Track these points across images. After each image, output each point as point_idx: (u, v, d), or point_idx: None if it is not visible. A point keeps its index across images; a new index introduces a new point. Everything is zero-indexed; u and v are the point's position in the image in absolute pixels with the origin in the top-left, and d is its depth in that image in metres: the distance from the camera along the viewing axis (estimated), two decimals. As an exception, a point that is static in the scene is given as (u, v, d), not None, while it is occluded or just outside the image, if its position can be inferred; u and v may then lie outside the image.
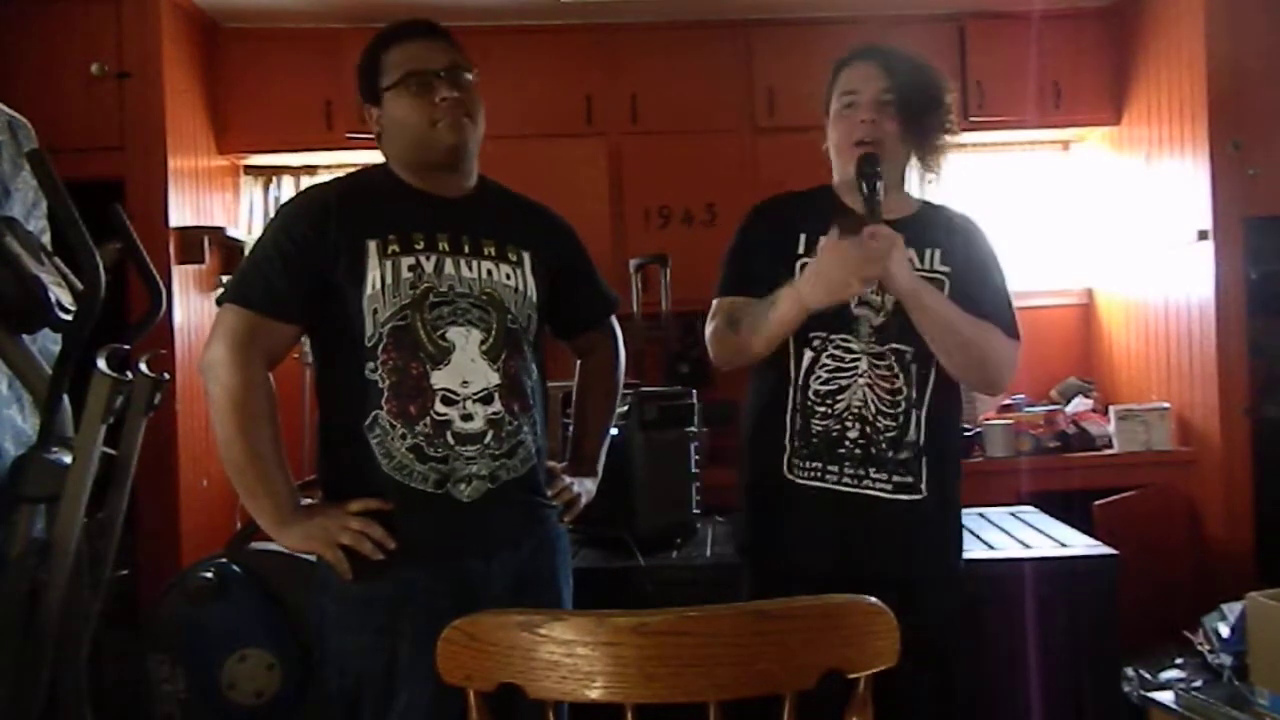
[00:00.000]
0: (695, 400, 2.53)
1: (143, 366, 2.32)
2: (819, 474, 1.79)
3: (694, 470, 2.48)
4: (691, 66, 4.08)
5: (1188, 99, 3.67)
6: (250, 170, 4.32)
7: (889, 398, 1.77)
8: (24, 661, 2.10)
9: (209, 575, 2.32)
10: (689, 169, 4.04)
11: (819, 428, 1.78)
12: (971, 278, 1.82)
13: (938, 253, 1.82)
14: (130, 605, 2.82)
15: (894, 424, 1.77)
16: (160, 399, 2.39)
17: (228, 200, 4.16)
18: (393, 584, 1.61)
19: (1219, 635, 2.63)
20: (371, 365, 1.63)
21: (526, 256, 1.77)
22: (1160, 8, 3.83)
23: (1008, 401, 4.04)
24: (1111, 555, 2.27)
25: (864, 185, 1.73)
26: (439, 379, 1.64)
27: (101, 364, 2.18)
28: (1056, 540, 2.40)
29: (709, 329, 1.87)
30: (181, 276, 3.66)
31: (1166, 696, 2.55)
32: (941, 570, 1.84)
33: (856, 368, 1.77)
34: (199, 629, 2.31)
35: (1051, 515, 2.70)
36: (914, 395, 1.78)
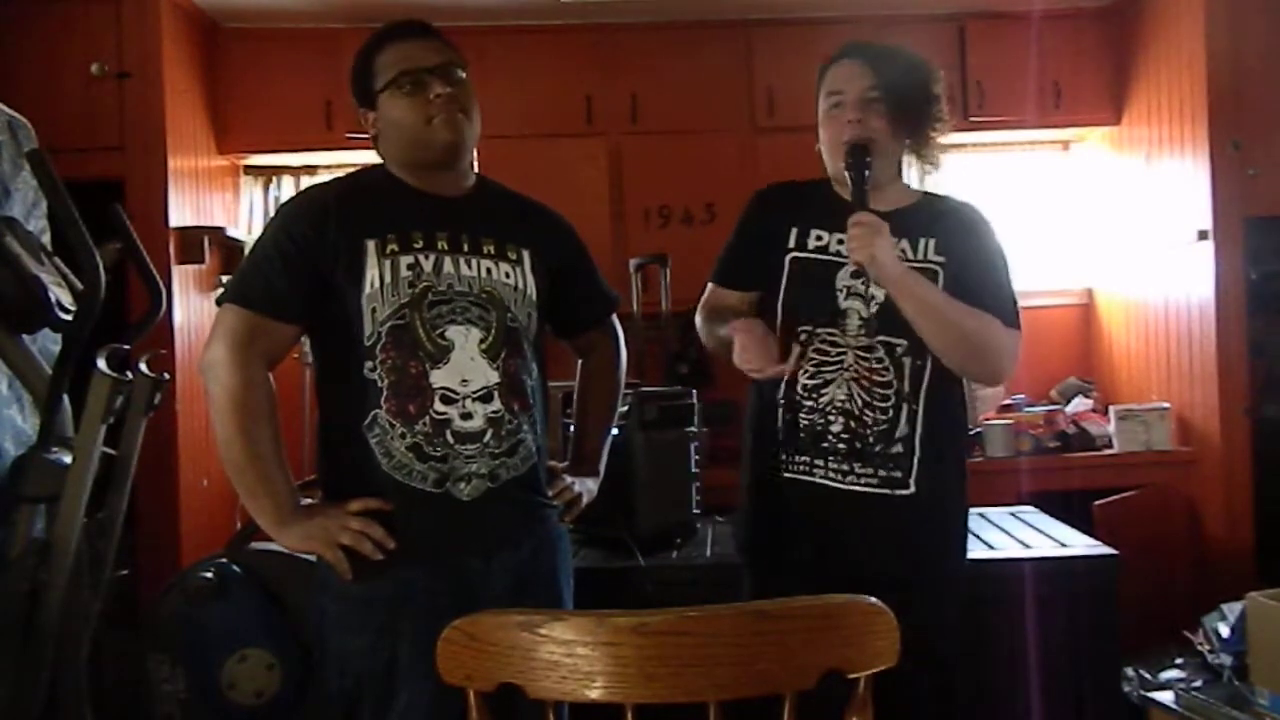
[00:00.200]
0: (695, 400, 2.53)
1: (143, 366, 2.32)
2: (807, 469, 1.78)
3: (694, 470, 2.48)
4: (691, 66, 4.08)
5: (1188, 99, 3.67)
6: (250, 170, 4.32)
7: (878, 391, 1.75)
8: (24, 661, 2.10)
9: (209, 575, 2.32)
10: (689, 169, 4.04)
11: (805, 422, 1.77)
12: (970, 267, 1.79)
13: (932, 243, 1.80)
14: (130, 605, 2.82)
15: (883, 418, 1.75)
16: (160, 399, 2.39)
17: (228, 200, 4.16)
18: (393, 584, 1.61)
19: (1219, 635, 2.63)
20: (370, 364, 1.63)
21: (526, 255, 1.77)
22: (1160, 8, 3.83)
23: (1008, 401, 4.04)
24: (1111, 555, 2.27)
25: (850, 175, 1.73)
26: (438, 377, 1.64)
27: (101, 364, 2.18)
28: (1056, 540, 2.40)
29: (698, 314, 1.91)
30: (181, 276, 3.66)
31: (1166, 696, 2.55)
32: (940, 571, 1.81)
33: (841, 361, 1.76)
34: (199, 629, 2.31)
35: (1051, 515, 2.70)
36: (906, 389, 1.75)
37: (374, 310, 1.64)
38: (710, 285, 1.92)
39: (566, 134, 4.06)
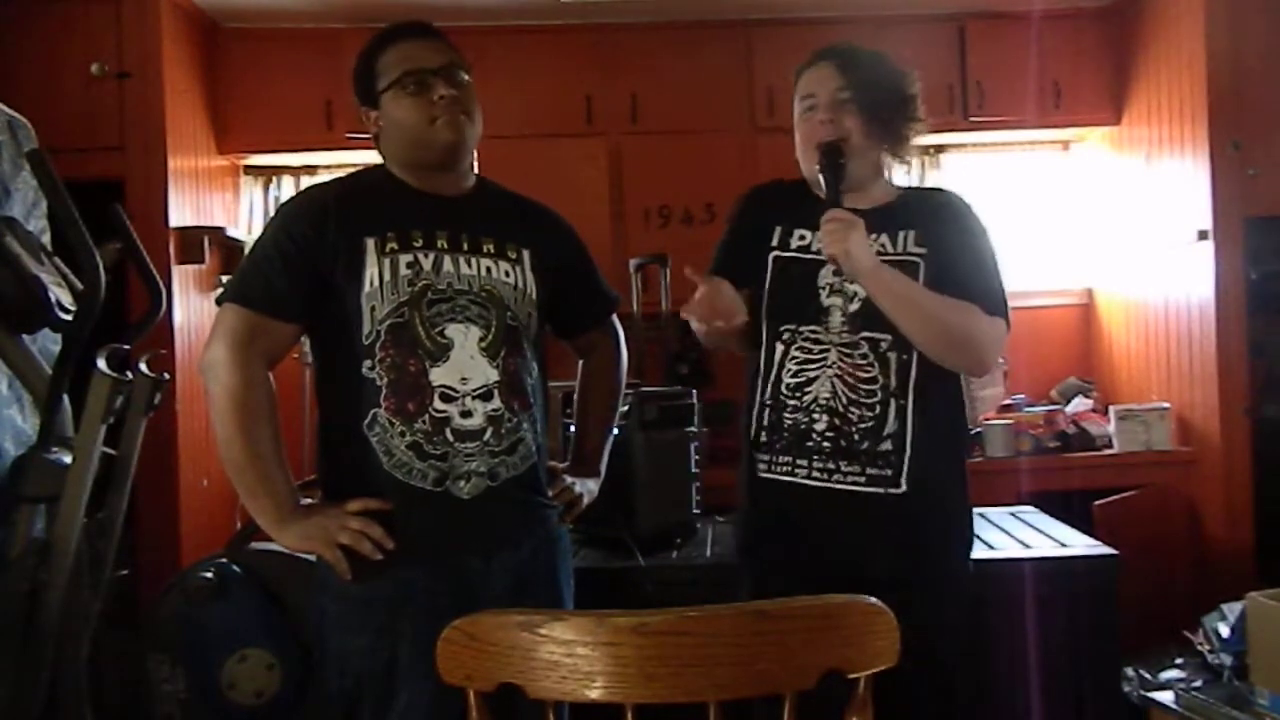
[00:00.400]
0: (695, 400, 2.53)
1: (143, 366, 2.32)
2: (789, 469, 1.76)
3: (694, 470, 2.48)
4: (691, 66, 4.08)
5: (1188, 99, 3.67)
6: (250, 170, 4.32)
7: (863, 387, 1.73)
8: (24, 661, 2.10)
9: (209, 575, 2.32)
10: (689, 169, 4.03)
11: (789, 421, 1.76)
12: (952, 257, 1.77)
13: (911, 234, 1.79)
14: (130, 605, 2.82)
15: (869, 414, 1.73)
16: (160, 399, 2.39)
17: (228, 200, 4.16)
18: (392, 584, 1.61)
19: (1219, 635, 2.63)
20: (369, 363, 1.63)
21: (526, 254, 1.77)
22: (1160, 8, 3.83)
23: (1008, 401, 4.04)
24: (1111, 555, 2.27)
25: (824, 175, 1.74)
26: (438, 376, 1.64)
27: (101, 364, 2.18)
28: (1056, 540, 2.40)
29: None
30: (181, 276, 3.66)
31: (1166, 696, 2.55)
32: (939, 571, 1.79)
33: (825, 359, 1.75)
34: (199, 629, 2.31)
35: (1051, 515, 2.70)
36: (893, 384, 1.73)
37: (373, 308, 1.64)
38: None
39: (566, 134, 4.06)
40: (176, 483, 3.52)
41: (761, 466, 1.81)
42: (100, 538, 2.28)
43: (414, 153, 1.74)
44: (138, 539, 3.24)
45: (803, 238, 1.82)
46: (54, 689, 2.15)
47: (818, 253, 1.77)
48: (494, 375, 1.67)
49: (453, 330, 1.66)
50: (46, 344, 2.32)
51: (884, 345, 1.74)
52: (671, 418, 2.43)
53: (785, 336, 1.78)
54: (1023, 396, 4.10)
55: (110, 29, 3.53)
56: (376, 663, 1.60)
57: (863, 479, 1.73)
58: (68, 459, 2.18)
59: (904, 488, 1.73)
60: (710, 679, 1.06)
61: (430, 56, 1.72)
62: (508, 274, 1.74)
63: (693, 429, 2.49)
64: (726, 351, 1.95)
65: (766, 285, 1.82)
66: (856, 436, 1.73)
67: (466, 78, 1.75)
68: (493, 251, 1.74)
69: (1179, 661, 2.69)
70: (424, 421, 1.62)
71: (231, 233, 3.96)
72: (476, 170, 1.84)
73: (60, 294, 2.23)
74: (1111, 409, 3.88)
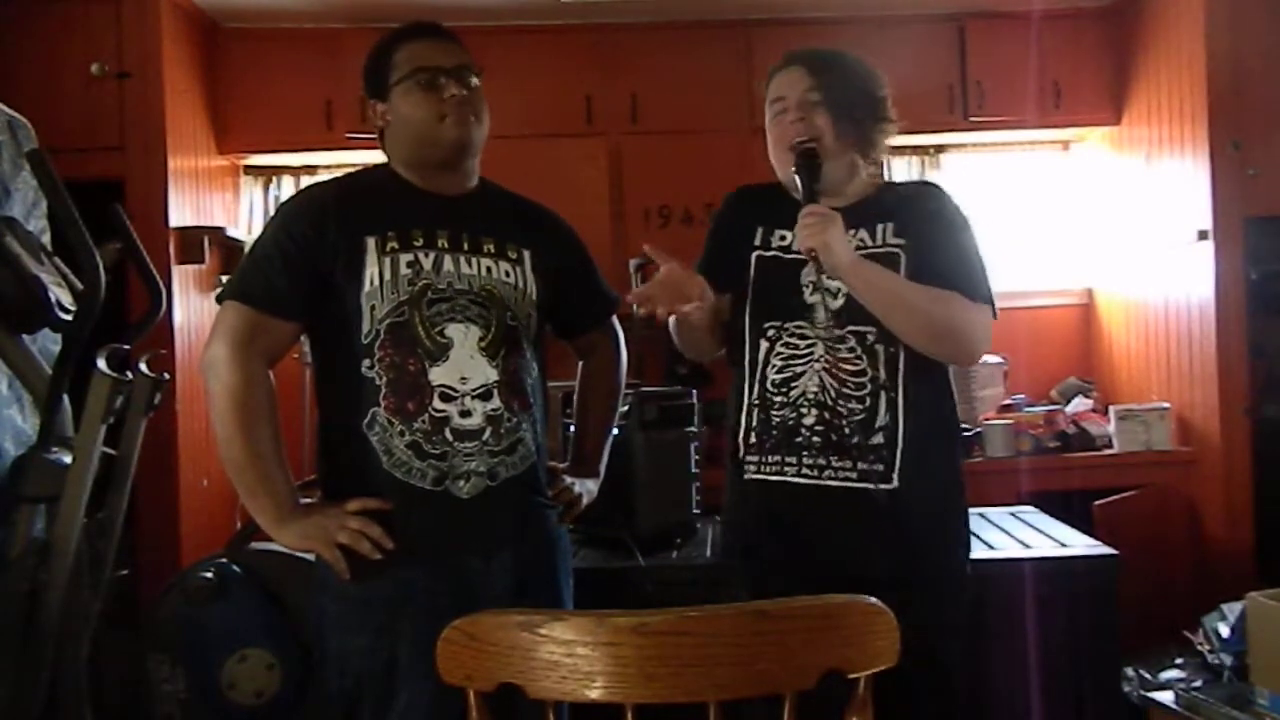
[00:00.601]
0: (695, 400, 2.53)
1: (143, 366, 2.32)
2: (778, 468, 1.75)
3: (694, 470, 2.48)
4: (691, 66, 4.08)
5: (1188, 99, 3.67)
6: (250, 170, 4.32)
7: (851, 381, 1.71)
8: (24, 661, 2.10)
9: (209, 575, 2.32)
10: (689, 169, 4.03)
11: (777, 418, 1.74)
12: (932, 246, 1.76)
13: (890, 226, 1.79)
14: (130, 605, 2.82)
15: (859, 407, 1.71)
16: (160, 399, 2.39)
17: (228, 200, 4.16)
18: (392, 584, 1.61)
19: (1219, 635, 2.63)
20: (368, 362, 1.63)
21: (526, 255, 1.78)
22: (1160, 8, 3.83)
23: (1008, 401, 4.04)
24: (1111, 555, 2.27)
25: (800, 175, 1.75)
26: (437, 375, 1.64)
27: (101, 364, 2.18)
28: (1056, 540, 2.40)
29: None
30: (181, 276, 3.65)
31: (1166, 696, 2.55)
32: (936, 570, 1.77)
33: (811, 353, 1.74)
34: (199, 629, 2.31)
35: (1051, 515, 2.71)
36: (882, 377, 1.72)
37: (373, 307, 1.64)
38: None
39: (566, 134, 4.06)
40: (176, 483, 3.51)
41: (750, 468, 1.78)
42: (100, 538, 2.28)
43: (419, 149, 1.74)
44: (138, 539, 3.24)
45: (783, 238, 1.82)
46: (54, 689, 2.15)
47: (799, 252, 1.77)
48: (493, 375, 1.67)
49: (452, 330, 1.66)
50: (46, 344, 2.32)
51: (870, 338, 1.73)
52: (671, 418, 2.43)
53: (770, 333, 1.77)
54: (1023, 396, 4.09)
55: (110, 29, 3.53)
56: (376, 663, 1.60)
57: (854, 475, 1.71)
58: (68, 459, 2.18)
59: (896, 483, 1.71)
60: (710, 679, 1.06)
61: (444, 57, 1.73)
62: (508, 274, 1.74)
63: (693, 429, 2.49)
64: (707, 359, 1.93)
65: (750, 285, 1.82)
66: (847, 430, 1.70)
67: (477, 81, 1.76)
68: (493, 252, 1.74)
69: (1179, 661, 2.69)
70: (423, 421, 1.62)
71: (231, 233, 3.96)
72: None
73: (60, 294, 2.23)
74: (1111, 409, 3.88)
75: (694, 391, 2.55)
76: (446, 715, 1.33)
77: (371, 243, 1.66)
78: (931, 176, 4.35)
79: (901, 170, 4.36)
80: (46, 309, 2.19)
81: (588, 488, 1.89)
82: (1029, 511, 2.77)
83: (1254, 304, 3.57)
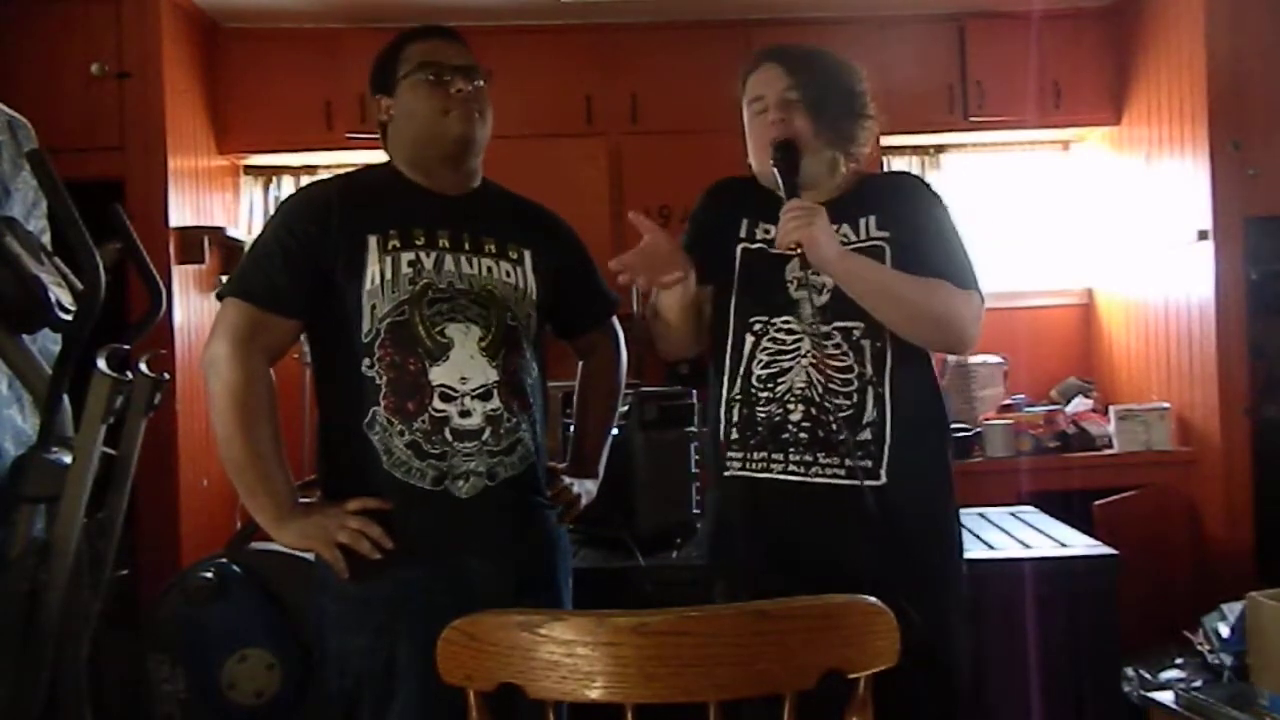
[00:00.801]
0: (695, 400, 2.52)
1: (143, 366, 2.32)
2: (764, 464, 1.72)
3: (694, 470, 2.48)
4: (691, 66, 4.07)
5: (1188, 99, 3.67)
6: (250, 170, 4.32)
7: (838, 376, 1.70)
8: (24, 661, 2.09)
9: (209, 575, 2.32)
10: (689, 169, 3.98)
11: (763, 414, 1.72)
12: (917, 236, 1.75)
13: (873, 219, 1.77)
14: (130, 605, 2.82)
15: (846, 403, 1.69)
16: (160, 399, 2.39)
17: (228, 200, 4.16)
18: (392, 583, 1.61)
19: (1219, 635, 2.63)
20: (368, 361, 1.63)
21: (527, 255, 1.78)
22: (1160, 8, 3.83)
23: (1008, 401, 4.04)
24: (1111, 555, 2.27)
25: (780, 173, 1.74)
26: (437, 375, 1.64)
27: (101, 364, 2.18)
28: (1056, 540, 2.40)
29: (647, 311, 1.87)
30: (181, 276, 3.66)
31: (1166, 696, 2.55)
32: (926, 569, 1.73)
33: (798, 349, 1.72)
34: (199, 629, 2.31)
35: (1051, 515, 2.70)
36: (869, 372, 1.70)
37: (374, 306, 1.64)
38: None
39: (566, 134, 4.06)
40: (176, 483, 3.52)
41: (735, 464, 1.75)
42: (100, 538, 2.28)
43: (422, 144, 1.74)
44: (138, 539, 3.24)
45: (767, 231, 1.80)
46: (54, 689, 2.15)
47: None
48: (493, 375, 1.67)
49: (453, 330, 1.66)
50: (46, 344, 2.32)
51: (856, 333, 1.71)
52: (671, 418, 2.43)
53: (756, 328, 1.75)
54: (1023, 396, 4.09)
55: (110, 29, 3.53)
56: (376, 662, 1.60)
57: (842, 471, 1.68)
58: (68, 459, 2.18)
59: (884, 479, 1.69)
60: (710, 679, 1.06)
61: (453, 55, 1.75)
62: (508, 274, 1.74)
63: (692, 429, 2.49)
64: (685, 355, 1.90)
65: (735, 278, 1.80)
66: (835, 425, 1.68)
67: (483, 84, 1.77)
68: (494, 252, 1.74)
69: (1179, 661, 2.69)
70: (423, 421, 1.62)
71: (231, 233, 3.96)
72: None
73: (60, 294, 2.23)
74: (1111, 409, 3.88)
75: (694, 391, 2.54)
76: (446, 715, 1.33)
77: (373, 241, 1.66)
78: (931, 176, 4.34)
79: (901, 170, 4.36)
80: (46, 309, 2.19)
81: (587, 488, 1.89)
82: (1029, 511, 2.77)
83: (1254, 304, 3.57)
